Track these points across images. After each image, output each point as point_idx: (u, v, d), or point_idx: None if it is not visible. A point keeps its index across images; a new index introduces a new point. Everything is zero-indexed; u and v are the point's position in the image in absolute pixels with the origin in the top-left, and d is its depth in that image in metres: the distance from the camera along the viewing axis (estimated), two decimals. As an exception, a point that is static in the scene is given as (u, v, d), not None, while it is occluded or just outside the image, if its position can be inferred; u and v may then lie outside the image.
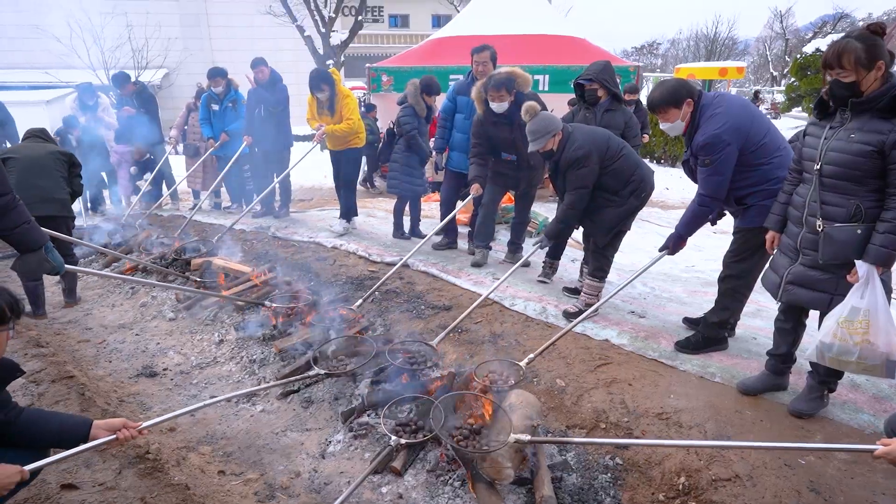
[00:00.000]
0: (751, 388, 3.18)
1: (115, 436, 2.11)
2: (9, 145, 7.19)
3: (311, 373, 3.43)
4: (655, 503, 2.60)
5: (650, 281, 5.35)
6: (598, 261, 4.28)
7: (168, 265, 5.55)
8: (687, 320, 3.96)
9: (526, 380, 3.37)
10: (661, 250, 3.67)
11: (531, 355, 3.36)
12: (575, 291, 4.64)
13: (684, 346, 3.62)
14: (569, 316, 4.29)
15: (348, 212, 6.65)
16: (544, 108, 5.18)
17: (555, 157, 4.04)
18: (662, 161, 13.81)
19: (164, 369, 4.01)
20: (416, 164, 6.14)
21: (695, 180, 3.38)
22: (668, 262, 6.14)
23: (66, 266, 2.81)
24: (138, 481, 2.57)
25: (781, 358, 3.13)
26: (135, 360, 4.12)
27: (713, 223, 3.69)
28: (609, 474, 2.78)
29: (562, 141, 4.01)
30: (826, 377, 2.92)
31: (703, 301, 4.69)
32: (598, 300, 4.17)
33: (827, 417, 2.96)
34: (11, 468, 1.86)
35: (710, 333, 3.62)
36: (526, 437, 2.65)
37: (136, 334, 4.57)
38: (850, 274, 2.59)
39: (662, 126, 3.32)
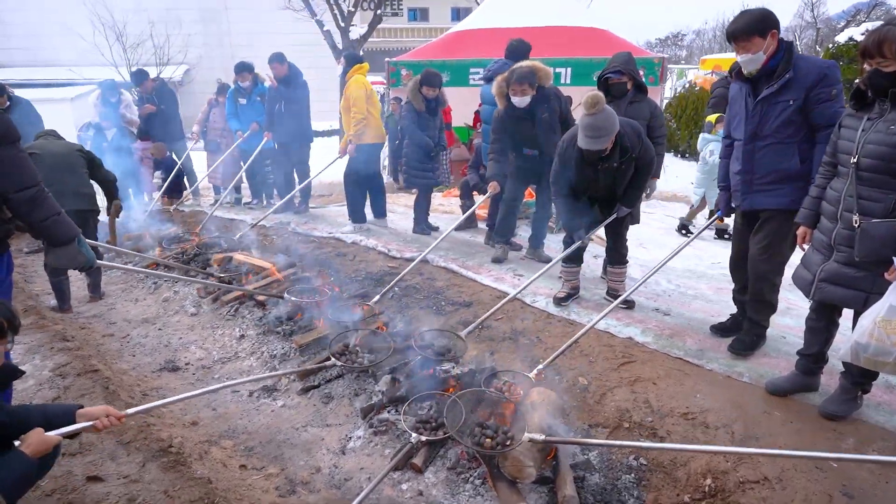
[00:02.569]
0: (780, 388, 3.12)
1: (92, 423, 2.14)
2: None
3: (327, 363, 3.45)
4: (679, 503, 2.57)
5: (675, 278, 5.28)
6: (617, 246, 4.32)
7: (189, 261, 5.62)
8: (715, 329, 3.87)
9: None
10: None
11: (540, 366, 3.35)
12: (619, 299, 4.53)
13: (739, 350, 3.53)
14: (558, 302, 4.30)
15: (356, 212, 6.63)
16: (568, 103, 5.15)
17: (613, 157, 3.84)
18: (688, 155, 13.60)
19: (187, 364, 4.08)
20: (424, 156, 6.16)
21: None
22: (694, 257, 6.07)
23: (97, 261, 2.85)
24: (161, 474, 2.62)
25: (813, 358, 3.07)
26: (157, 355, 4.19)
27: (725, 215, 3.62)
28: (633, 475, 2.76)
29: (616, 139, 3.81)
30: (860, 378, 2.85)
31: (729, 299, 4.61)
32: (625, 286, 4.10)
33: (860, 419, 2.89)
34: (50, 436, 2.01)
35: (759, 331, 3.56)
36: (540, 437, 2.65)
37: (159, 329, 4.65)
38: (889, 272, 2.52)
39: (740, 58, 3.08)
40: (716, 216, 3.78)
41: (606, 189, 4.08)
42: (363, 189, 6.62)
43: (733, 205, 3.52)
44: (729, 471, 2.61)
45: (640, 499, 2.64)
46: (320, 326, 4.14)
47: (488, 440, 2.77)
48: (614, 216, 4.17)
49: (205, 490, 2.55)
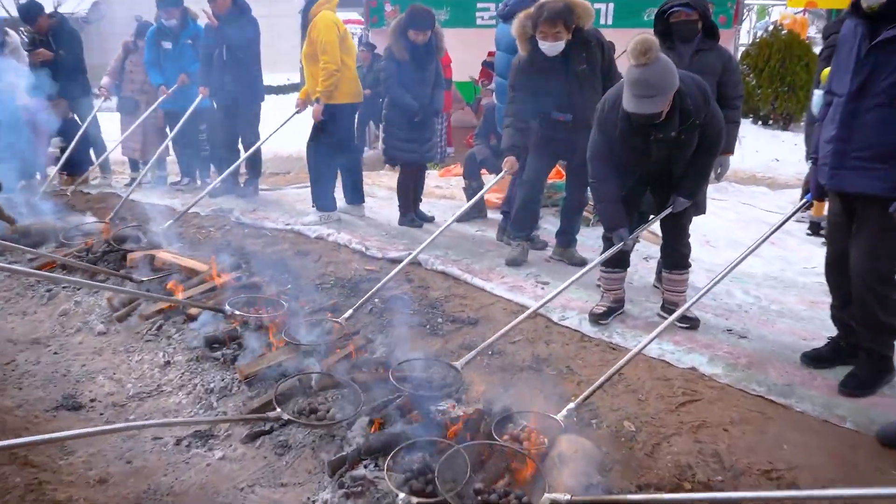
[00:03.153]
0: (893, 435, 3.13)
1: None
2: None
3: (270, 414, 3.43)
4: None
5: (754, 287, 5.30)
6: (676, 246, 4.34)
7: (97, 260, 5.62)
8: (808, 358, 3.87)
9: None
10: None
11: (571, 405, 3.33)
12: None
13: (853, 388, 3.53)
14: (595, 319, 4.31)
15: (323, 197, 6.64)
16: (611, 49, 5.14)
17: (670, 125, 3.80)
18: (772, 122, 13.63)
19: (92, 400, 4.05)
20: (408, 123, 6.22)
21: None
22: (779, 260, 6.10)
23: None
24: (57, 550, 2.60)
25: None
26: (53, 388, 4.16)
27: (816, 198, 3.66)
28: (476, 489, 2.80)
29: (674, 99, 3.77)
30: None
31: (827, 316, 4.62)
32: (686, 298, 4.12)
33: None
34: None
35: (882, 365, 3.54)
36: (564, 498, 2.64)
37: (55, 353, 4.62)
38: None
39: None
40: (804, 201, 3.78)
41: (660, 169, 4.08)
42: (333, 165, 6.62)
43: (821, 181, 3.53)
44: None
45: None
46: (272, 352, 4.13)
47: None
48: (668, 210, 4.17)
49: (116, 572, 2.53)
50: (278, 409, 3.45)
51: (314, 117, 6.24)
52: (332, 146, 6.43)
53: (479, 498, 2.82)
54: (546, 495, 2.67)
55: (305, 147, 6.64)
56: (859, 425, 3.28)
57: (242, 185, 7.81)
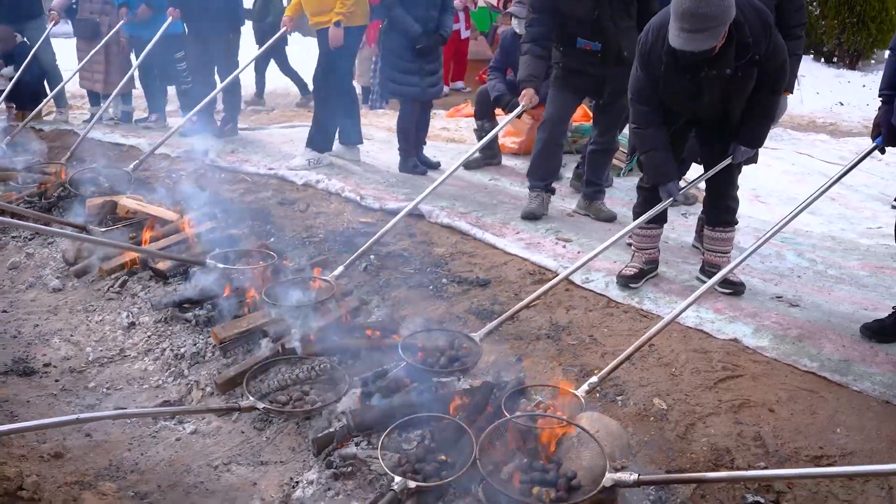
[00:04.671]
0: None
1: None
2: None
3: (242, 404, 3.43)
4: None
5: (809, 250, 5.27)
6: (723, 199, 4.29)
7: (50, 208, 5.59)
8: (869, 330, 3.86)
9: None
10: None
11: (594, 378, 3.33)
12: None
13: None
14: (625, 282, 4.31)
15: (319, 138, 6.62)
16: None
17: (725, 61, 3.72)
18: (836, 59, 13.44)
19: (46, 365, 4.08)
20: (408, 51, 6.15)
21: None
22: (840, 219, 6.07)
23: None
24: (7, 531, 2.64)
25: None
26: (2, 351, 4.19)
27: (888, 144, 3.63)
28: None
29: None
30: None
31: (893, 283, 4.60)
32: (730, 260, 4.11)
33: None
34: None
35: None
36: (631, 477, 2.64)
37: (4, 311, 4.65)
38: None
39: None
40: (872, 146, 3.73)
41: (712, 111, 4.02)
42: (343, 99, 6.57)
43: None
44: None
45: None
46: (253, 313, 4.14)
47: (544, 489, 2.73)
48: (728, 161, 4.12)
49: (72, 555, 2.57)
50: (251, 398, 3.44)
51: (333, 43, 6.10)
52: (345, 75, 6.40)
53: (529, 476, 2.83)
54: (608, 475, 2.66)
55: (313, 80, 6.58)
56: (926, 407, 3.28)
57: (220, 123, 7.76)
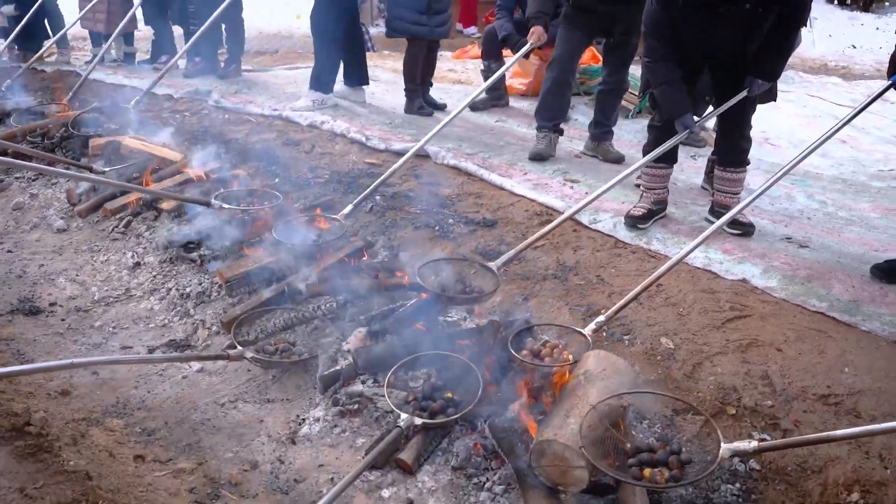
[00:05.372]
0: None
1: None
2: None
3: (231, 353, 3.39)
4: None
5: (819, 191, 5.22)
6: (735, 138, 4.23)
7: (53, 148, 5.55)
8: (879, 271, 3.83)
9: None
10: None
11: (601, 318, 3.30)
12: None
13: None
14: (633, 223, 4.28)
15: (323, 77, 6.51)
16: None
17: None
18: (849, 1, 13.17)
19: (52, 304, 4.09)
20: None
21: None
22: (851, 161, 6.02)
23: None
24: (15, 464, 2.64)
25: None
26: (7, 290, 4.21)
27: None
28: (738, 484, 2.78)
29: None
30: None
31: (906, 224, 4.57)
32: (740, 201, 4.08)
33: None
34: None
35: None
36: (750, 446, 2.51)
37: (9, 251, 4.66)
38: None
39: None
40: (888, 84, 3.63)
41: (729, 47, 3.93)
42: (342, 38, 6.43)
43: None
44: (890, 482, 2.61)
45: (748, 520, 2.67)
46: (258, 252, 4.12)
47: (657, 470, 2.64)
48: (744, 94, 4.04)
49: (81, 489, 2.59)
50: (239, 347, 3.41)
51: None
52: (346, 11, 6.29)
53: (637, 459, 2.73)
54: (725, 445, 2.55)
55: (310, 19, 6.44)
56: (936, 347, 3.27)
57: (224, 64, 7.67)
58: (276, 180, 5.00)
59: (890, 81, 3.67)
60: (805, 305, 3.59)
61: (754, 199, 3.74)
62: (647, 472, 2.63)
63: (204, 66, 7.43)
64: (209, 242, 4.32)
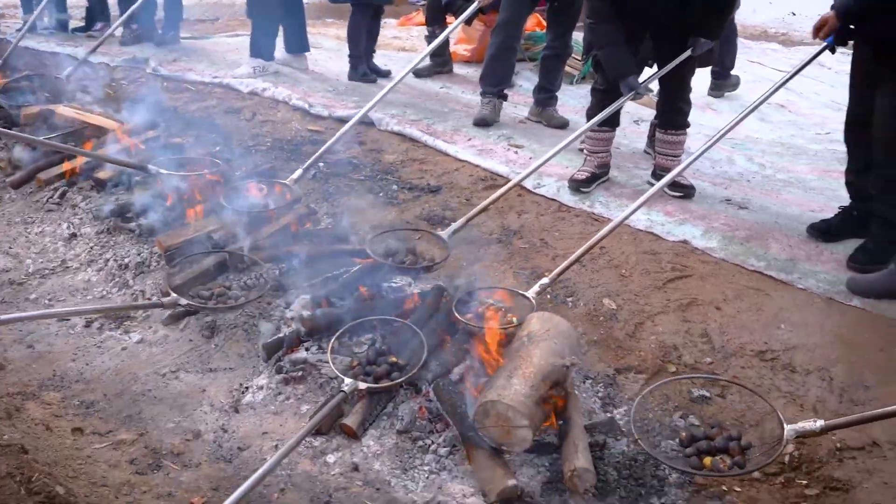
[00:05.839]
0: (866, 287, 3.33)
1: None
2: None
3: (164, 300, 3.35)
4: (746, 481, 2.66)
5: (759, 154, 5.30)
6: (676, 101, 4.27)
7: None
8: (815, 230, 3.92)
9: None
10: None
11: (544, 280, 3.32)
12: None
13: (863, 263, 3.56)
14: (576, 186, 4.30)
15: (261, 43, 6.39)
16: None
17: None
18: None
19: (-15, 278, 3.98)
20: None
21: None
22: (789, 125, 6.10)
23: None
24: (-54, 440, 2.58)
25: None
26: (-64, 263, 4.08)
27: (838, 42, 3.59)
28: (678, 439, 2.82)
29: None
30: None
31: (839, 186, 4.65)
32: (680, 163, 4.12)
33: None
34: None
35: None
36: (816, 425, 2.42)
37: (-62, 223, 4.51)
38: None
39: None
40: (823, 45, 3.69)
41: (671, 12, 3.96)
42: (274, 8, 6.31)
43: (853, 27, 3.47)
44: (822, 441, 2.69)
45: (688, 473, 2.71)
46: (199, 220, 4.05)
47: (718, 458, 2.62)
48: (688, 54, 4.06)
49: (16, 462, 2.52)
50: (173, 294, 3.35)
51: None
52: None
53: (695, 447, 2.72)
54: (789, 427, 2.50)
55: None
56: (867, 303, 3.35)
57: (161, 31, 7.47)
58: (218, 148, 4.90)
59: (824, 44, 3.72)
60: (744, 265, 3.66)
61: (693, 161, 3.80)
62: (707, 460, 2.62)
63: (141, 33, 7.23)
64: (148, 211, 4.23)
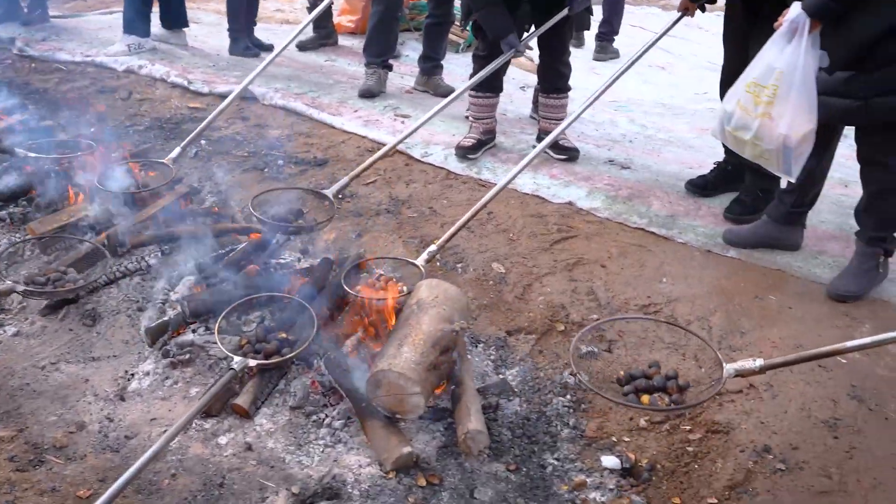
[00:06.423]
0: (740, 238, 3.49)
1: None
2: None
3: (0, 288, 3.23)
4: (634, 431, 2.74)
5: (641, 116, 5.43)
6: (556, 64, 4.32)
7: None
8: (693, 186, 4.06)
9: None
10: None
11: (432, 247, 3.33)
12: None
13: (738, 214, 3.71)
14: (463, 153, 4.33)
15: (135, 19, 6.14)
16: None
17: None
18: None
19: None
20: None
21: None
22: (669, 86, 6.27)
23: None
24: None
25: (793, 197, 3.34)
26: None
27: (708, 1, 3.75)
28: (569, 396, 2.90)
29: None
30: (877, 231, 3.16)
31: (716, 143, 4.81)
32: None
33: (881, 298, 3.19)
34: None
35: (767, 185, 3.70)
36: (756, 364, 2.42)
37: None
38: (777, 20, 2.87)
39: None
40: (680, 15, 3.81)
41: None
42: None
43: None
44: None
45: (579, 428, 2.79)
46: (76, 203, 3.89)
47: (656, 395, 2.62)
48: (565, 13, 4.10)
49: None
50: (8, 282, 3.23)
51: None
52: None
53: (632, 386, 2.69)
54: (728, 366, 2.50)
55: None
56: (742, 254, 3.50)
57: (27, 10, 7.08)
58: (92, 129, 4.71)
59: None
60: (627, 223, 3.76)
61: (572, 122, 3.88)
62: (645, 398, 2.62)
63: (4, 11, 6.84)
64: (18, 198, 4.04)
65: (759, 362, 2.43)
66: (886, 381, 2.77)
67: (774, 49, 2.90)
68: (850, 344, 2.40)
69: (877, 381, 2.77)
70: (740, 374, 2.48)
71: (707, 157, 4.51)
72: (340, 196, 3.88)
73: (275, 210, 3.65)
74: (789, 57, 2.84)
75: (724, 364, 2.50)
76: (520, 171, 3.55)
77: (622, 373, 2.79)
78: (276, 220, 3.53)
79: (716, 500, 2.44)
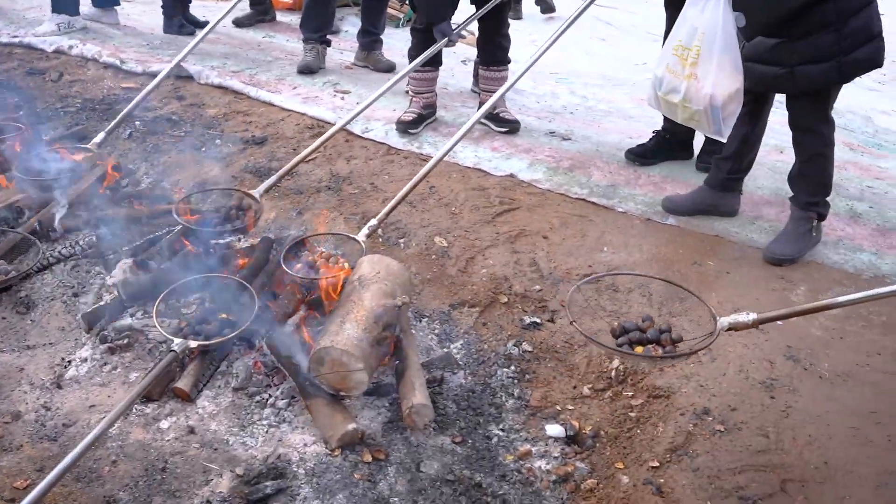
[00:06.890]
0: (678, 206, 3.54)
1: None
2: None
3: None
4: (578, 399, 2.77)
5: (581, 87, 5.45)
6: (495, 37, 4.34)
7: None
8: (633, 155, 4.11)
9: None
10: None
11: (373, 221, 3.28)
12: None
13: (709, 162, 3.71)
14: (404, 128, 4.33)
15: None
16: None
17: None
18: None
19: None
20: None
21: None
22: (609, 57, 6.30)
23: None
24: None
25: (728, 164, 3.41)
26: None
27: None
28: (513, 367, 2.92)
29: None
30: (812, 196, 3.23)
31: (656, 113, 4.86)
32: (505, 100, 4.21)
33: (815, 261, 3.27)
34: None
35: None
36: (749, 317, 2.41)
37: None
38: None
39: None
40: None
41: None
42: None
43: None
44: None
45: (524, 398, 2.82)
46: (4, 189, 3.78)
47: (650, 347, 2.56)
48: None
49: None
50: None
51: None
52: None
53: (626, 338, 2.62)
54: (721, 319, 2.48)
55: None
56: (681, 221, 3.56)
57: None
58: (20, 112, 4.57)
59: None
60: (568, 194, 3.79)
61: (506, 91, 3.86)
62: (639, 349, 2.59)
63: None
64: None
65: (752, 316, 2.42)
66: (820, 342, 2.86)
67: (695, 9, 2.96)
68: (841, 299, 2.40)
69: (812, 341, 2.86)
70: (733, 327, 2.47)
71: (647, 127, 4.55)
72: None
73: (204, 207, 3.61)
74: (709, 17, 2.90)
75: (717, 318, 2.50)
76: (458, 141, 3.51)
77: (616, 324, 2.74)
78: (201, 226, 3.42)
79: (657, 464, 2.48)
